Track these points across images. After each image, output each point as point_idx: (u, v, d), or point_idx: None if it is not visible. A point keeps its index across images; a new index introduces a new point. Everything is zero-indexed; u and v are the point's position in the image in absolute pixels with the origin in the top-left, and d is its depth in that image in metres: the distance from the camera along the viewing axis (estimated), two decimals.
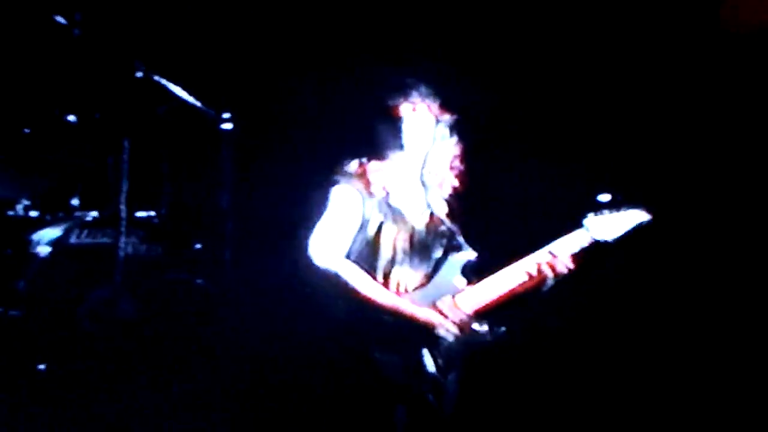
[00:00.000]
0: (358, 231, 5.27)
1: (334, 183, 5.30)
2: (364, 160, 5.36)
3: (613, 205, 5.35)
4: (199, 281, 6.84)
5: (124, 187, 6.64)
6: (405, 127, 5.33)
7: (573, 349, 6.90)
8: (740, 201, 6.92)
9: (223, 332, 6.63)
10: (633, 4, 7.08)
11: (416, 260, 5.32)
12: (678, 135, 7.01)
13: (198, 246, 6.94)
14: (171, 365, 6.56)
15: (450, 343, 5.20)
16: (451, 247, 5.37)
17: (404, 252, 5.30)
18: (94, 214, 6.88)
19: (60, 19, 6.67)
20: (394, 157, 5.36)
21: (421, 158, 5.38)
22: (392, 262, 5.28)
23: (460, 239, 5.37)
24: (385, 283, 5.25)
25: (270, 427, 6.36)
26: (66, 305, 6.63)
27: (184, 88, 6.67)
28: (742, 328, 6.83)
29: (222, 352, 6.57)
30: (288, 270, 6.15)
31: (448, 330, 5.18)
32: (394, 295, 5.22)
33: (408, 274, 5.30)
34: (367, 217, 5.28)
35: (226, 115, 6.61)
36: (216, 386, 6.47)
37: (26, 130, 6.88)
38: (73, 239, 6.79)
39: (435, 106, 5.37)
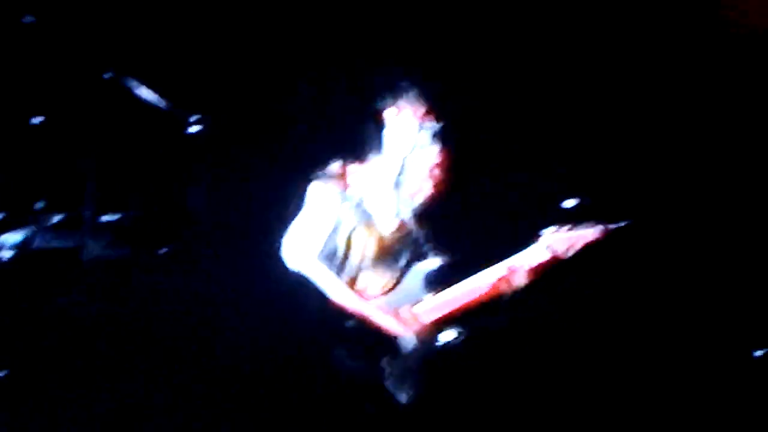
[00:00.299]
0: (331, 233, 5.29)
1: (312, 181, 5.30)
2: (344, 161, 5.36)
3: (570, 222, 5.37)
4: (166, 285, 6.80)
5: (90, 190, 6.61)
6: (387, 131, 5.34)
7: (531, 357, 6.92)
8: (740, 203, 6.93)
9: (191, 335, 6.61)
10: (619, 11, 7.07)
11: (382, 266, 5.37)
12: (669, 141, 7.02)
13: (165, 249, 6.90)
14: (138, 369, 6.53)
15: (408, 352, 5.22)
16: (417, 255, 5.40)
17: (372, 257, 5.36)
18: (60, 217, 6.84)
19: (27, 18, 6.62)
20: (373, 160, 5.35)
21: (399, 163, 5.37)
22: (359, 266, 5.34)
23: (427, 247, 5.38)
24: (352, 287, 5.29)
25: (234, 428, 6.36)
26: (31, 309, 6.58)
27: (153, 90, 6.62)
28: (718, 342, 6.85)
29: (190, 355, 6.55)
30: (257, 272, 6.16)
31: (408, 337, 5.20)
32: (361, 300, 5.25)
33: (374, 280, 5.35)
34: (340, 218, 5.31)
35: (194, 118, 6.57)
36: (184, 389, 6.46)
37: None
38: (38, 242, 6.76)
39: (420, 112, 5.35)
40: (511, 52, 7.06)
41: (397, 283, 5.36)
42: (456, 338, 5.31)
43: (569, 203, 5.48)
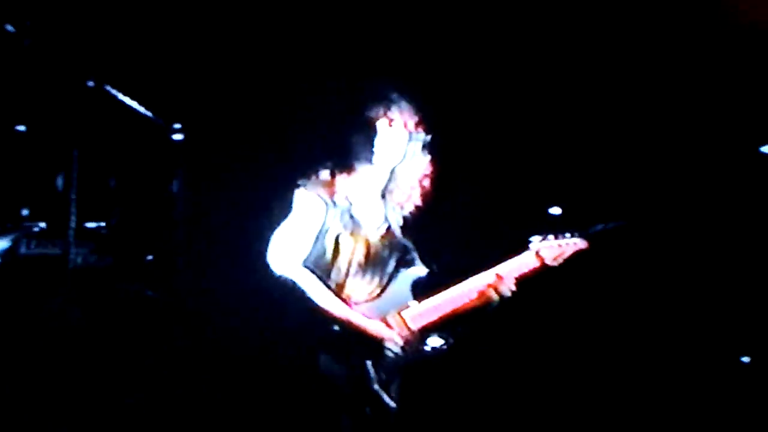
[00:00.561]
0: (317, 238, 5.30)
1: (299, 188, 5.32)
2: (333, 169, 5.38)
3: (558, 230, 5.42)
4: (149, 292, 6.80)
5: (74, 197, 6.59)
6: (378, 141, 5.35)
7: (517, 363, 6.96)
8: (739, 203, 6.99)
9: (174, 343, 6.60)
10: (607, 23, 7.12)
11: (369, 273, 5.37)
12: (664, 145, 7.07)
13: (149, 257, 6.89)
14: (121, 377, 6.53)
15: (394, 357, 5.25)
16: (404, 263, 5.42)
17: (358, 264, 5.35)
18: (44, 224, 6.82)
19: (9, 27, 6.61)
20: (362, 169, 5.37)
21: (388, 172, 5.40)
22: (346, 273, 5.34)
23: (414, 255, 5.42)
24: (338, 294, 5.29)
25: (219, 427, 6.38)
26: (15, 316, 6.57)
27: (135, 98, 6.63)
28: (706, 348, 6.92)
29: (172, 362, 6.55)
30: (240, 279, 6.17)
31: (393, 344, 5.23)
32: (346, 307, 5.26)
33: (360, 286, 5.35)
34: (327, 225, 5.33)
35: (177, 125, 6.57)
36: (165, 396, 6.45)
37: None
38: (22, 250, 6.73)
39: (412, 123, 5.38)
40: (500, 63, 7.10)
41: (385, 289, 5.36)
42: (443, 344, 5.33)
43: (555, 210, 5.53)
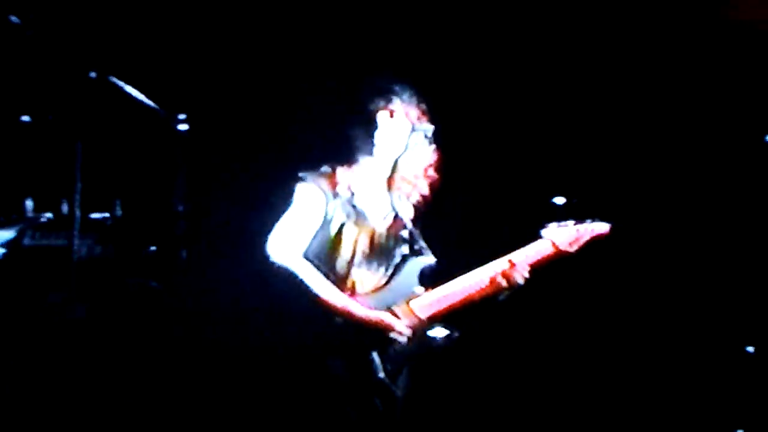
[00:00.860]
0: (320, 230, 5.32)
1: (300, 181, 5.32)
2: (335, 162, 5.38)
3: (575, 216, 5.41)
4: (153, 284, 6.80)
5: (78, 189, 6.59)
6: (379, 133, 5.36)
7: (525, 355, 6.95)
8: (738, 202, 6.99)
9: (178, 334, 6.61)
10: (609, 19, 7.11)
11: (375, 263, 5.36)
12: (662, 140, 7.07)
13: (153, 248, 6.89)
14: (125, 368, 6.53)
15: (401, 347, 5.24)
16: (412, 252, 5.41)
17: (363, 254, 5.34)
18: (48, 215, 6.82)
19: (13, 18, 6.60)
20: (364, 161, 5.37)
21: (391, 164, 5.39)
22: (351, 262, 5.33)
23: (422, 244, 5.41)
24: (343, 284, 5.29)
25: (222, 427, 6.36)
26: (20, 307, 6.57)
27: (138, 89, 6.62)
28: (709, 342, 6.92)
29: (177, 354, 6.55)
30: (243, 271, 6.17)
31: (399, 334, 5.21)
32: (347, 297, 5.26)
33: (366, 276, 5.34)
34: (329, 216, 5.32)
35: (181, 116, 6.57)
36: (170, 388, 6.45)
37: None
38: (26, 241, 6.73)
39: (414, 114, 5.39)
40: (503, 54, 7.10)
41: (391, 279, 5.35)
42: (452, 333, 5.32)
43: (559, 200, 5.52)
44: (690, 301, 7.01)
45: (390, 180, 5.43)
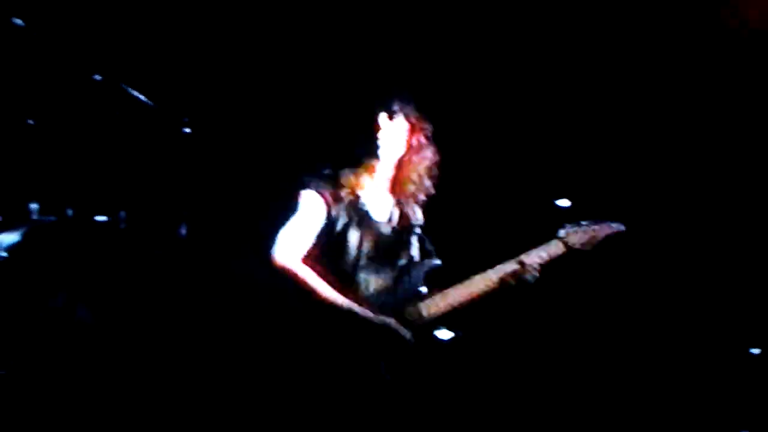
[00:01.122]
0: (324, 233, 5.32)
1: (303, 186, 5.32)
2: (338, 165, 5.38)
3: (587, 217, 5.40)
4: (157, 285, 6.81)
5: (82, 192, 6.60)
6: (381, 135, 5.35)
7: (532, 355, 6.95)
8: (740, 201, 6.98)
9: (181, 336, 6.61)
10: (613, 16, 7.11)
11: (380, 265, 5.37)
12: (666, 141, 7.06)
13: (157, 251, 6.90)
14: (129, 370, 6.54)
15: (406, 349, 5.23)
16: (418, 253, 5.40)
17: (368, 256, 5.35)
18: (53, 218, 6.83)
19: (17, 21, 6.61)
20: (366, 163, 5.37)
21: (395, 166, 5.39)
22: (356, 265, 5.34)
23: (428, 246, 5.41)
24: (348, 286, 5.29)
25: (225, 424, 6.37)
26: (24, 310, 6.58)
27: (142, 91, 6.62)
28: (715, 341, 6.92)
29: (180, 356, 6.56)
30: (247, 274, 6.17)
31: (404, 336, 5.21)
32: (350, 300, 5.25)
33: (371, 278, 5.35)
34: (333, 219, 5.31)
35: (185, 119, 6.57)
36: (173, 390, 6.46)
37: None
38: (31, 244, 6.74)
39: (414, 116, 5.39)
40: (505, 56, 7.09)
41: (397, 281, 5.36)
42: (458, 335, 5.33)
43: (563, 203, 5.52)
44: (697, 302, 7.00)
45: (394, 181, 5.44)
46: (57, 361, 6.49)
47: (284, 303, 5.30)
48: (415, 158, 5.43)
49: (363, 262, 5.34)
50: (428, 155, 5.44)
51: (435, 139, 5.45)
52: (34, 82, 7.01)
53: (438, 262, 5.40)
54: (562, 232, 5.41)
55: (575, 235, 5.41)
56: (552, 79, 7.13)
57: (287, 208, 5.36)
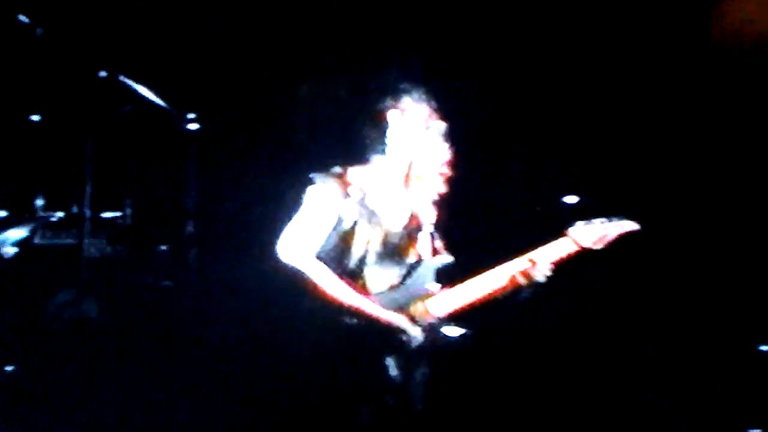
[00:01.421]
0: (331, 230, 5.29)
1: (311, 182, 5.32)
2: (347, 162, 5.38)
3: (602, 215, 5.39)
4: (164, 283, 6.82)
5: (89, 188, 6.61)
6: (391, 132, 5.35)
7: (542, 352, 6.95)
8: (741, 201, 6.99)
9: (189, 334, 6.62)
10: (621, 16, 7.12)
11: (389, 262, 5.33)
12: (669, 142, 7.07)
13: (163, 247, 6.91)
14: (135, 367, 6.54)
15: (416, 347, 5.23)
16: (428, 251, 5.40)
17: (376, 253, 5.31)
18: (59, 214, 6.84)
19: (23, 18, 6.62)
20: (376, 160, 5.38)
21: (405, 163, 5.39)
22: (363, 262, 5.29)
23: (438, 243, 5.41)
24: (356, 283, 5.26)
25: (232, 427, 6.38)
26: (31, 306, 6.60)
27: (149, 88, 6.64)
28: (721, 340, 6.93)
29: (187, 353, 6.56)
30: (253, 271, 6.18)
31: (414, 333, 5.21)
32: (360, 297, 5.23)
33: (379, 275, 5.31)
34: (341, 216, 5.29)
35: (191, 115, 6.59)
36: (180, 387, 6.46)
37: None
38: (38, 240, 6.76)
39: (426, 112, 5.38)
40: (516, 52, 7.10)
41: (406, 278, 5.33)
42: (467, 332, 5.31)
43: (571, 199, 5.50)
44: (706, 300, 7.01)
45: (405, 179, 5.43)
46: (63, 357, 6.50)
47: (292, 299, 5.28)
48: (425, 155, 5.42)
49: (371, 258, 5.32)
50: (440, 153, 5.43)
51: (446, 136, 5.43)
52: (39, 78, 7.01)
53: (449, 259, 5.39)
54: (573, 230, 5.39)
55: (587, 233, 5.38)
56: (560, 78, 7.13)
57: (294, 204, 5.35)
